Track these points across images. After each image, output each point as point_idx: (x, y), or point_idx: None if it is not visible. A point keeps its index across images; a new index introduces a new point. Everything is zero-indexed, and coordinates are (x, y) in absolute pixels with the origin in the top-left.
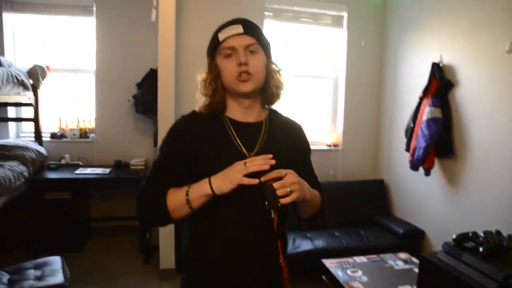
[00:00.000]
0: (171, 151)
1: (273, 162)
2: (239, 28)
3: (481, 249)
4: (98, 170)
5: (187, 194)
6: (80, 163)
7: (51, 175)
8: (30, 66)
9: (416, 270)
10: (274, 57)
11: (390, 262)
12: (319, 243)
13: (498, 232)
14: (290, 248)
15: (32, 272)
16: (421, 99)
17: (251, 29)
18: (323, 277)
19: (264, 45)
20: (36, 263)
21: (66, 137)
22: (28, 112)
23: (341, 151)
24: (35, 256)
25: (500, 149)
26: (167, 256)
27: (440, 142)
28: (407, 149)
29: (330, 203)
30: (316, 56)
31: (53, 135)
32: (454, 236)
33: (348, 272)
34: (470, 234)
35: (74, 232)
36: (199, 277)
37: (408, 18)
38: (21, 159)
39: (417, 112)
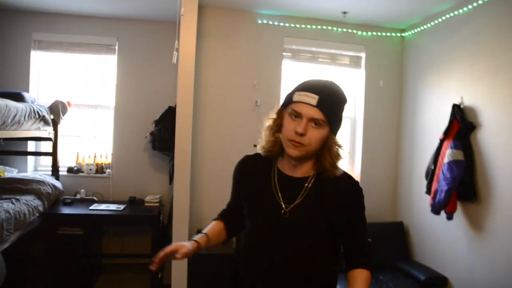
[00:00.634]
0: (232, 188)
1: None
2: (313, 100)
3: None
4: (113, 206)
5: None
6: (95, 198)
7: (66, 210)
8: (52, 101)
9: None
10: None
11: None
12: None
13: None
14: None
15: None
16: (441, 140)
17: (325, 105)
18: None
19: (331, 123)
20: None
21: (82, 171)
22: (47, 146)
23: None
24: None
25: None
26: None
27: (463, 185)
28: (428, 192)
29: None
30: None
31: (70, 170)
32: None
33: None
34: None
35: (86, 268)
36: None
37: (427, 59)
38: (37, 193)
39: (438, 154)
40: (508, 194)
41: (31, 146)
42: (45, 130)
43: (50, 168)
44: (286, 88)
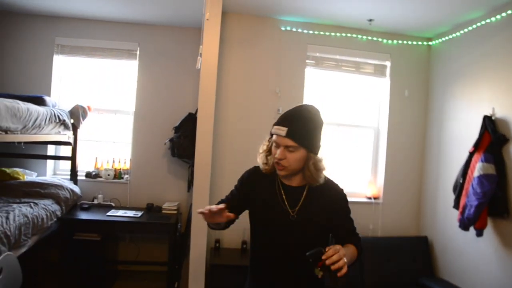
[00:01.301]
0: (238, 189)
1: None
2: (283, 132)
3: None
4: (130, 213)
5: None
6: (113, 204)
7: (83, 215)
8: (73, 105)
9: None
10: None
11: None
12: None
13: None
14: None
15: None
16: (471, 153)
17: (294, 134)
18: None
19: (304, 146)
20: None
21: (100, 176)
22: (66, 151)
23: (382, 204)
24: None
25: None
26: None
27: (494, 200)
28: (456, 207)
29: (369, 260)
30: (357, 105)
31: (88, 174)
32: None
33: None
34: None
35: (101, 274)
36: None
37: (455, 69)
38: (55, 198)
39: (467, 167)
40: None
41: (50, 150)
42: (65, 134)
43: (69, 173)
44: (308, 96)
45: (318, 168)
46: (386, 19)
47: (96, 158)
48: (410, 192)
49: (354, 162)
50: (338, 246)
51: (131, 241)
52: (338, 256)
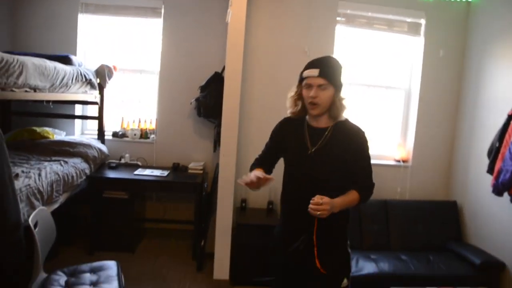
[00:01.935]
0: (271, 141)
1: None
2: (316, 72)
3: None
4: (156, 172)
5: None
6: (139, 163)
7: (111, 174)
8: (98, 65)
9: None
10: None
11: None
12: (385, 266)
13: None
14: (353, 270)
15: (88, 276)
16: (510, 116)
17: (326, 73)
18: None
19: (334, 84)
20: (92, 267)
21: (127, 136)
22: (93, 111)
23: (411, 168)
24: (90, 254)
25: None
26: (221, 266)
27: None
28: (490, 171)
29: (396, 223)
30: (388, 65)
31: (115, 134)
32: None
33: None
34: None
35: (129, 232)
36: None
37: (497, 27)
38: (84, 157)
39: (505, 131)
40: None
41: (78, 110)
42: (92, 94)
43: (96, 132)
44: (338, 55)
45: (342, 104)
46: None
47: (123, 118)
48: (441, 156)
49: (383, 124)
50: (323, 198)
51: (157, 200)
52: (316, 204)
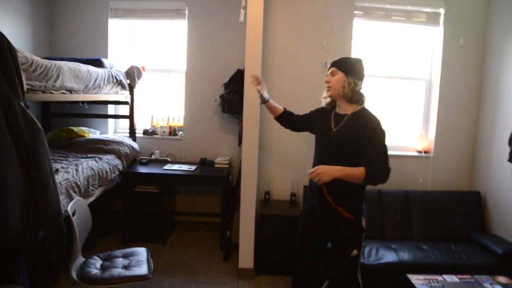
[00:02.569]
0: (308, 114)
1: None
2: (331, 64)
3: None
4: (185, 167)
5: None
6: (168, 159)
7: (142, 169)
8: (128, 67)
9: None
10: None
11: (487, 285)
12: (405, 255)
13: None
14: (373, 258)
15: (120, 261)
16: None
17: (336, 62)
18: None
19: (342, 69)
20: (124, 252)
21: (156, 134)
22: (124, 110)
23: (433, 158)
24: (124, 244)
25: None
26: (246, 256)
27: None
28: (511, 160)
29: (418, 214)
30: (408, 56)
31: (145, 132)
32: None
33: None
34: None
35: (160, 224)
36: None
37: None
38: (117, 153)
39: None
40: None
41: (111, 109)
42: (122, 94)
43: (128, 130)
44: (357, 48)
45: (351, 87)
46: None
47: (152, 116)
48: (463, 146)
49: (404, 115)
50: (323, 167)
51: (186, 194)
52: (316, 170)
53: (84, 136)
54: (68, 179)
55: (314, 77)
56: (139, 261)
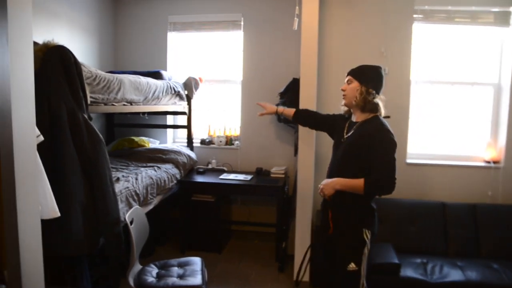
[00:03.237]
0: (330, 116)
1: None
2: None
3: None
4: (240, 176)
5: None
6: (225, 168)
7: (199, 178)
8: (186, 78)
9: None
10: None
11: None
12: (473, 274)
13: None
14: (436, 276)
15: (175, 270)
16: None
17: (351, 71)
18: None
19: (356, 78)
20: (180, 262)
21: (213, 143)
22: (182, 120)
23: (503, 169)
24: (181, 252)
25: None
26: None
27: None
28: None
29: (487, 228)
30: (473, 60)
31: (203, 141)
32: None
33: None
34: None
35: (216, 233)
36: None
37: None
38: (174, 163)
39: None
40: None
41: (170, 120)
42: (180, 104)
43: (186, 140)
44: (417, 54)
45: (363, 96)
46: None
47: (209, 126)
48: None
49: (469, 123)
50: (325, 181)
51: (242, 203)
52: (321, 186)
53: (144, 146)
54: (128, 187)
55: None
56: (194, 271)
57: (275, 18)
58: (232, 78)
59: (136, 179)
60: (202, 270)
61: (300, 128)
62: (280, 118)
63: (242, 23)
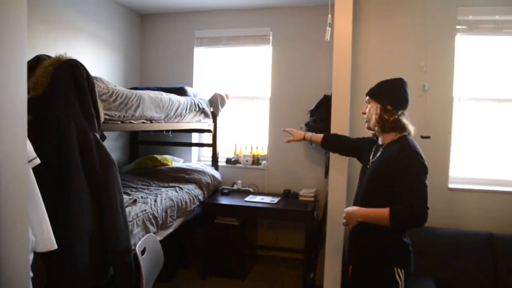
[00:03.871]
0: (358, 140)
1: None
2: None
3: None
4: (267, 199)
5: None
6: (251, 189)
7: (223, 200)
8: (212, 94)
9: None
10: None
11: None
12: None
13: None
14: None
15: None
16: None
17: (370, 91)
18: None
19: (375, 98)
20: None
21: (239, 163)
22: (208, 138)
23: None
24: (203, 278)
25: None
26: None
27: None
28: None
29: None
30: None
31: (228, 160)
32: None
33: None
34: None
35: (240, 258)
36: None
37: None
38: (198, 183)
39: None
40: None
41: (195, 138)
42: (205, 122)
43: (211, 159)
44: (460, 67)
45: (379, 115)
46: None
47: (236, 144)
48: None
49: None
50: (349, 211)
51: (269, 227)
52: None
53: (167, 165)
54: (145, 210)
55: (412, 102)
56: None
57: (305, 32)
58: (260, 94)
59: (155, 201)
60: None
61: None
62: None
63: (270, 37)
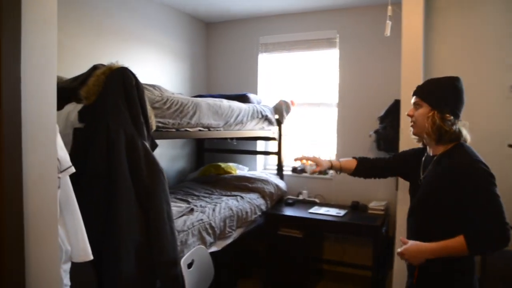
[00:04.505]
0: (402, 154)
1: None
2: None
3: None
4: (333, 211)
5: None
6: (317, 200)
7: (287, 211)
8: (277, 101)
9: None
10: None
11: None
12: None
13: None
14: None
15: None
16: None
17: (419, 91)
18: None
19: (426, 101)
20: None
21: (305, 172)
22: (273, 146)
23: None
24: None
25: None
26: None
27: None
28: None
29: None
30: None
31: (294, 169)
32: None
33: None
34: None
35: (304, 273)
36: None
37: None
38: (261, 192)
39: None
40: None
41: (261, 145)
42: (269, 129)
43: (276, 167)
44: None
45: (437, 124)
46: None
47: (302, 153)
48: None
49: None
50: (405, 242)
51: (336, 240)
52: (401, 252)
53: (230, 173)
54: (202, 219)
55: (496, 105)
56: None
57: (373, 33)
58: (326, 100)
59: (214, 210)
60: None
61: None
62: (380, 145)
63: (337, 40)
